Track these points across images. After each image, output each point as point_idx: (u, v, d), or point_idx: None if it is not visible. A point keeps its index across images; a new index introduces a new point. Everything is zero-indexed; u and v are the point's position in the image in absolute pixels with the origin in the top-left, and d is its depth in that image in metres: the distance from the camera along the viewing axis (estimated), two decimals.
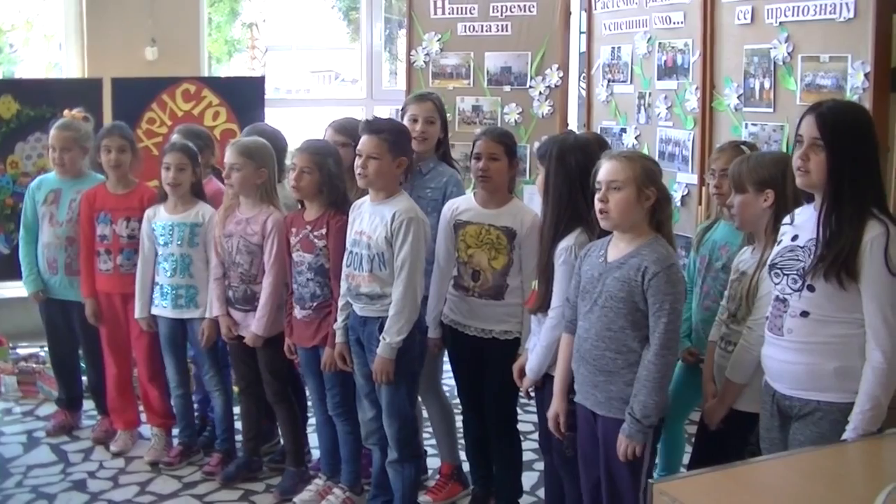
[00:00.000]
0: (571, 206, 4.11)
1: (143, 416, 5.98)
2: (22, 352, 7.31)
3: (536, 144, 6.96)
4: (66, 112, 6.06)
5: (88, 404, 6.29)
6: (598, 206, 3.77)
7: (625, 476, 3.75)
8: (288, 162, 5.42)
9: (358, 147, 4.62)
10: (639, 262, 3.69)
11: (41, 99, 7.22)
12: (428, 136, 5.13)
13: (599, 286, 3.79)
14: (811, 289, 3.37)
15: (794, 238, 3.50)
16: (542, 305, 4.22)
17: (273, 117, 7.83)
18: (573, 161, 4.13)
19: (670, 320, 3.63)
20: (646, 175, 3.73)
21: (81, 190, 5.83)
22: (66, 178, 5.90)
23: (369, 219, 4.63)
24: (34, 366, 6.92)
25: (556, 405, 4.10)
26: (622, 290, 3.70)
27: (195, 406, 5.90)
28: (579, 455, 4.04)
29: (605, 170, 3.76)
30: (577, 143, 4.24)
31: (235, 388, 5.62)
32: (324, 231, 4.87)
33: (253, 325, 5.15)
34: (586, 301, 3.86)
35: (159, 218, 5.51)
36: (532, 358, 4.29)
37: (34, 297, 6.01)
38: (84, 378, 6.30)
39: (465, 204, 4.81)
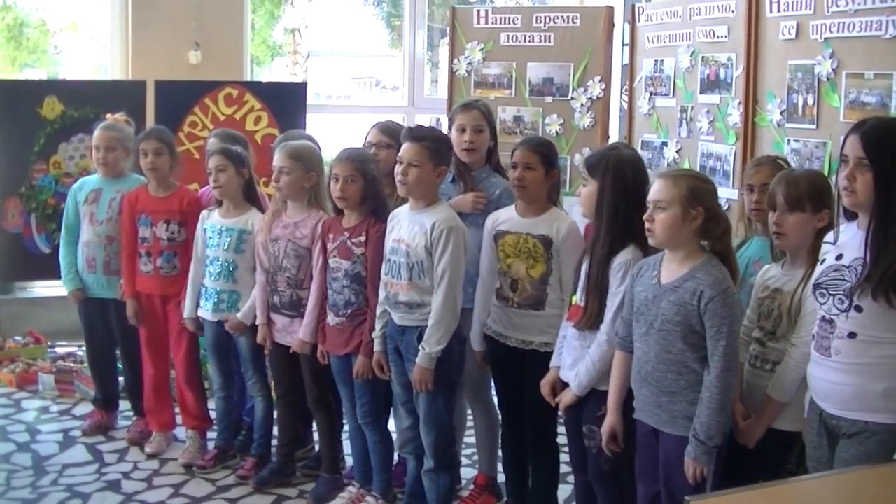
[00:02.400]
0: (627, 220, 4.09)
1: (179, 419, 6.01)
2: (60, 350, 7.37)
3: (578, 157, 6.99)
4: (108, 115, 6.11)
5: (125, 405, 6.31)
6: (646, 224, 3.78)
7: (688, 492, 3.70)
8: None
9: (399, 154, 4.62)
10: (694, 285, 3.68)
11: (85, 100, 7.28)
12: (477, 145, 5.10)
13: (654, 309, 3.79)
14: (858, 309, 3.34)
15: (839, 257, 3.46)
16: (592, 321, 4.19)
17: (314, 123, 7.85)
18: (630, 175, 4.13)
19: (729, 342, 3.63)
20: (692, 194, 3.71)
21: (121, 189, 5.88)
22: (108, 179, 5.95)
23: (408, 227, 4.63)
24: (72, 365, 6.97)
25: (612, 421, 4.08)
26: (678, 314, 3.71)
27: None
28: (637, 472, 4.03)
29: (653, 189, 3.78)
30: (633, 157, 4.26)
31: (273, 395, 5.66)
32: (362, 238, 4.86)
33: (301, 332, 5.12)
34: (641, 323, 3.86)
35: (212, 220, 5.53)
36: (582, 374, 4.23)
37: (73, 297, 6.05)
38: (121, 378, 6.33)
39: (505, 214, 4.80)
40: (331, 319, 5.00)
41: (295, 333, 5.18)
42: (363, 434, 5.09)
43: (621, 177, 4.11)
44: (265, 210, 5.49)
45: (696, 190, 3.74)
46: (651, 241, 3.83)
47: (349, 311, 4.92)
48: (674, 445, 3.77)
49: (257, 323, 5.35)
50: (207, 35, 7.94)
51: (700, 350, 3.70)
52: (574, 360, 4.28)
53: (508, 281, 4.72)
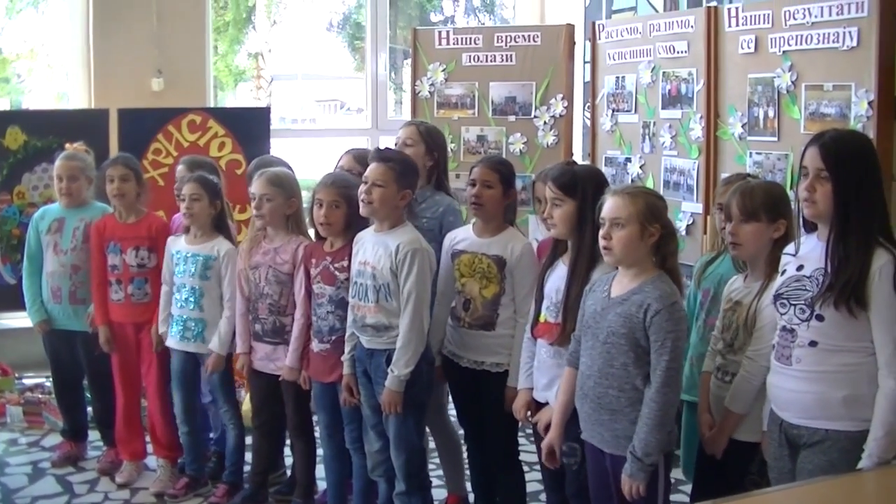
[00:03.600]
0: None
1: (150, 448, 5.96)
2: (28, 382, 7.30)
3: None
4: (67, 145, 6.09)
5: (94, 435, 6.26)
6: (601, 242, 3.77)
7: None
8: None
9: (365, 174, 4.62)
10: (641, 298, 3.68)
11: (48, 130, 7.22)
12: None
13: (602, 322, 3.78)
14: (820, 318, 3.38)
15: (800, 268, 3.51)
16: (569, 338, 4.17)
17: (278, 147, 7.83)
18: (601, 191, 4.13)
19: (672, 358, 3.62)
20: (649, 211, 3.72)
21: (85, 218, 5.86)
22: (70, 208, 5.92)
23: (373, 249, 4.62)
24: (40, 396, 6.90)
25: (552, 437, 4.09)
26: (623, 327, 3.69)
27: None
28: (591, 491, 4.01)
29: (609, 206, 3.75)
30: (599, 172, 4.34)
31: (245, 424, 5.62)
32: (345, 263, 4.84)
33: (288, 359, 5.10)
34: (588, 336, 3.86)
35: (178, 246, 5.52)
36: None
37: (38, 328, 6.01)
38: (89, 408, 6.27)
39: (462, 233, 4.82)
40: (315, 346, 4.98)
41: (279, 360, 5.15)
42: (341, 461, 5.09)
43: (598, 193, 4.10)
44: (232, 238, 5.47)
45: (652, 207, 3.75)
46: (607, 260, 3.83)
47: (334, 338, 4.90)
48: (619, 466, 3.74)
49: (239, 352, 5.34)
50: (169, 62, 7.91)
51: (644, 366, 3.68)
52: (551, 379, 4.25)
53: (462, 300, 4.73)
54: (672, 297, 3.67)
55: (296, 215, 5.20)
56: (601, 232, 3.77)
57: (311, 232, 5.17)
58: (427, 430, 5.16)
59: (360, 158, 5.31)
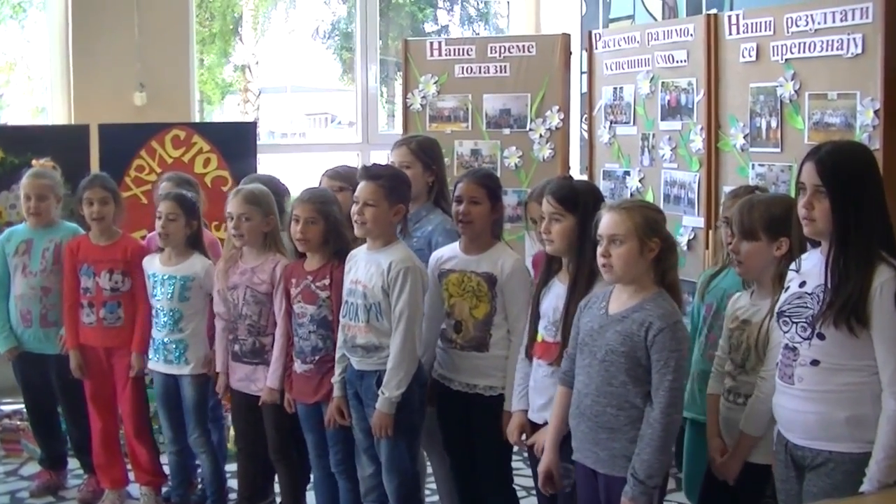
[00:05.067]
0: None
1: (131, 475, 5.92)
2: (5, 408, 7.27)
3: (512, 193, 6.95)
4: (34, 162, 6.07)
5: (74, 463, 6.23)
6: (600, 260, 3.76)
7: None
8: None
9: (355, 193, 4.62)
10: (642, 316, 3.68)
11: (26, 146, 7.17)
12: None
13: (599, 339, 3.78)
14: (821, 337, 3.38)
15: (802, 285, 3.51)
16: None
17: (266, 163, 7.83)
18: (600, 206, 4.15)
19: (675, 378, 3.62)
20: (648, 226, 3.73)
21: (54, 239, 5.84)
22: (38, 228, 5.89)
23: (365, 267, 4.62)
24: (18, 423, 6.86)
25: (547, 461, 4.07)
26: (624, 345, 3.69)
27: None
28: None
29: (606, 222, 3.75)
30: (596, 187, 4.29)
31: (230, 447, 5.58)
32: (327, 281, 4.84)
33: (268, 380, 5.08)
34: (585, 354, 3.84)
35: (153, 268, 5.51)
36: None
37: (9, 354, 5.97)
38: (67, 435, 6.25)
39: (449, 252, 4.80)
40: (298, 367, 4.97)
41: (258, 381, 5.14)
42: (331, 483, 5.05)
43: (598, 208, 4.11)
44: (210, 255, 5.47)
45: (650, 221, 3.76)
46: (607, 278, 3.82)
47: (317, 358, 4.89)
48: (613, 487, 3.74)
49: (217, 370, 5.33)
50: (152, 75, 7.90)
51: (643, 385, 3.68)
52: (550, 399, 4.22)
53: (452, 322, 4.72)
54: (674, 316, 3.68)
55: (273, 233, 5.20)
56: (599, 249, 3.77)
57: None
58: (424, 453, 5.16)
59: (337, 176, 5.35)
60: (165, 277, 5.44)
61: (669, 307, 3.70)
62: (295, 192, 5.29)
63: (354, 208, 4.59)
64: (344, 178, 5.28)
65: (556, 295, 4.26)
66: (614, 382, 3.72)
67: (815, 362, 3.41)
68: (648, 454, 3.62)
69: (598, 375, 3.76)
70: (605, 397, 3.75)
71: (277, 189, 5.53)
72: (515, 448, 4.59)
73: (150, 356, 5.55)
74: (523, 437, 4.41)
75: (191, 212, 5.44)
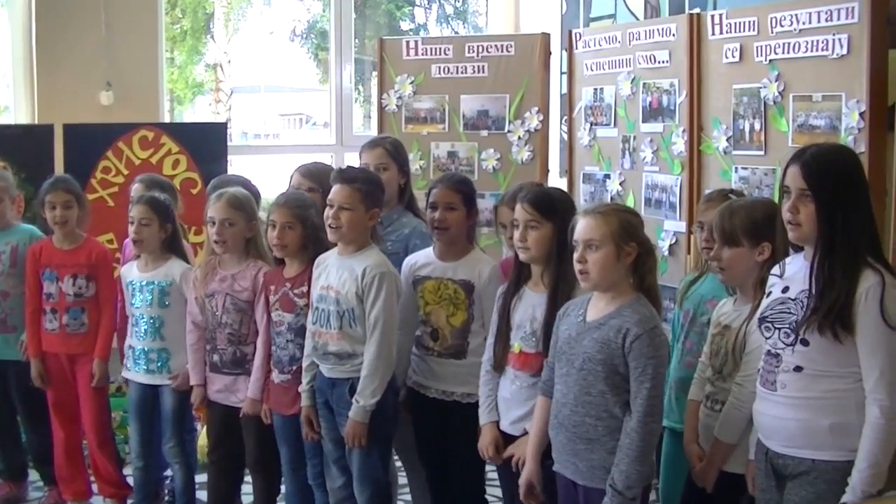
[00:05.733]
0: None
1: (95, 487, 5.89)
2: None
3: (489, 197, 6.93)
4: None
5: (35, 474, 6.18)
6: (576, 266, 3.75)
7: None
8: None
9: (329, 197, 4.60)
10: (619, 323, 3.68)
11: None
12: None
13: (577, 347, 3.77)
14: (805, 343, 3.38)
15: (785, 290, 3.51)
16: None
17: (237, 165, 7.80)
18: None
19: (653, 385, 3.62)
20: (624, 230, 3.72)
21: (10, 242, 5.82)
22: None
23: (337, 273, 4.61)
24: None
25: (529, 471, 4.06)
26: (601, 353, 3.69)
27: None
28: None
29: (581, 227, 3.75)
30: (568, 194, 4.29)
31: (200, 458, 5.55)
32: (305, 289, 4.83)
33: (249, 390, 5.05)
34: (563, 363, 3.84)
35: (131, 276, 5.47)
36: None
37: None
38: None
39: (423, 258, 4.80)
40: (276, 377, 4.96)
41: (239, 393, 5.11)
42: (303, 497, 5.04)
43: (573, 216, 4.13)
44: (186, 258, 5.46)
45: (627, 224, 3.76)
46: (584, 285, 3.82)
47: (294, 368, 4.88)
48: (593, 499, 3.73)
49: (192, 384, 5.28)
50: (119, 74, 7.84)
51: (622, 394, 3.68)
52: (530, 410, 4.21)
53: (429, 330, 4.72)
54: (652, 322, 3.68)
55: (255, 239, 5.16)
56: (575, 255, 3.76)
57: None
58: (400, 465, 5.14)
59: (309, 174, 5.32)
60: (143, 284, 5.40)
61: (647, 312, 3.70)
62: (266, 194, 5.27)
63: (328, 212, 4.58)
64: (316, 178, 5.25)
65: (530, 304, 4.25)
66: (592, 391, 3.72)
67: (798, 368, 3.41)
68: (626, 464, 3.62)
69: (576, 385, 3.76)
70: (583, 407, 3.74)
71: (250, 192, 5.48)
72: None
73: (129, 366, 5.50)
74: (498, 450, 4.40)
75: (165, 215, 5.40)
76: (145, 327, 5.42)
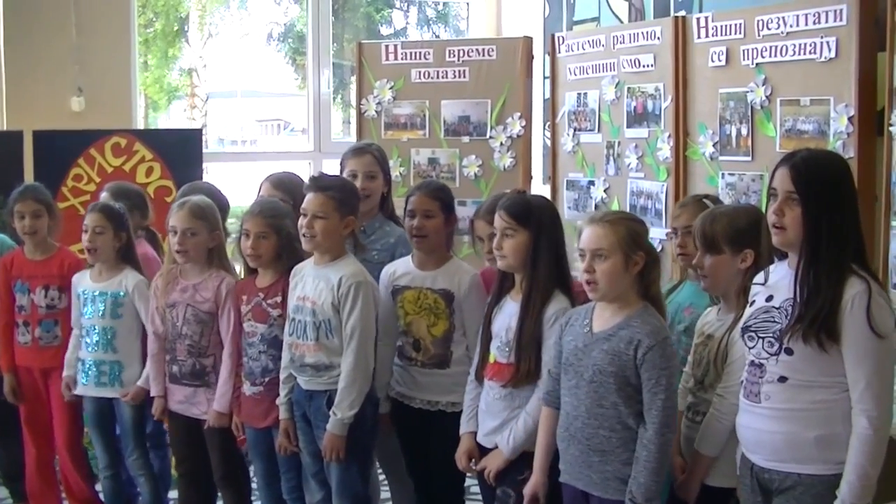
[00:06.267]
0: (560, 269, 4.16)
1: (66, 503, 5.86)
2: None
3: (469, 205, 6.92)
4: None
5: (4, 491, 6.15)
6: (584, 276, 3.76)
7: None
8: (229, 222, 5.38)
9: (303, 205, 4.60)
10: (630, 334, 3.69)
11: None
12: (370, 192, 5.13)
13: (585, 359, 3.78)
14: (789, 352, 3.39)
15: (769, 299, 3.51)
16: (528, 378, 4.16)
17: (213, 172, 7.77)
18: (558, 221, 4.21)
19: (668, 396, 3.65)
20: (632, 239, 3.75)
21: None
22: None
23: (313, 283, 4.61)
24: None
25: (536, 482, 4.05)
26: (612, 364, 3.70)
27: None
28: None
29: (588, 236, 3.76)
30: (549, 201, 4.35)
31: (174, 472, 5.53)
32: (278, 299, 4.83)
33: (216, 403, 5.03)
34: (571, 375, 3.85)
35: (83, 285, 5.45)
36: (519, 434, 4.18)
37: None
38: None
39: (402, 267, 4.81)
40: (247, 389, 4.94)
41: (200, 405, 5.11)
42: None
43: (553, 225, 4.17)
44: (142, 271, 5.42)
45: (634, 233, 3.78)
46: (591, 296, 3.82)
47: (267, 380, 4.87)
48: None
49: (153, 395, 5.26)
50: (91, 79, 7.82)
51: (634, 405, 3.69)
52: (502, 422, 4.25)
53: (411, 340, 4.72)
54: (663, 332, 3.71)
55: (218, 249, 5.16)
56: (583, 266, 3.77)
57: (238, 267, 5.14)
58: (383, 477, 5.13)
59: (280, 185, 5.33)
60: (96, 294, 5.38)
61: (657, 323, 3.73)
62: (243, 203, 5.25)
63: (303, 221, 4.58)
64: (287, 189, 5.26)
65: (508, 314, 4.27)
66: (605, 404, 3.73)
67: (782, 379, 3.41)
68: (645, 476, 3.64)
69: (588, 397, 3.77)
70: (596, 419, 3.76)
71: (218, 201, 5.46)
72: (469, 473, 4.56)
73: (79, 379, 5.47)
74: (472, 462, 4.41)
75: (119, 223, 5.38)
76: (97, 338, 5.39)
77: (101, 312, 5.36)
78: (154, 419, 5.32)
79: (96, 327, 5.38)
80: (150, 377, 5.26)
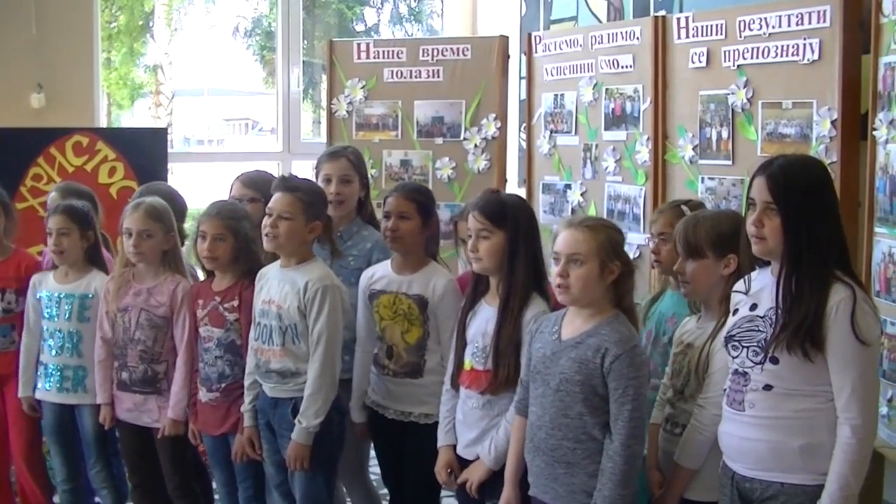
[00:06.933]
0: (536, 271, 4.14)
1: None
2: None
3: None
4: None
5: None
6: (556, 280, 3.75)
7: None
8: (186, 225, 5.37)
9: (269, 205, 4.59)
10: (598, 342, 3.69)
11: None
12: (345, 197, 5.10)
13: (553, 367, 3.78)
14: (774, 361, 3.39)
15: (753, 307, 3.52)
16: (507, 384, 4.14)
17: (179, 173, 7.75)
18: (534, 222, 4.21)
19: (635, 407, 3.63)
20: (611, 247, 3.74)
21: None
22: None
23: (279, 286, 4.59)
24: None
25: (507, 496, 4.04)
26: (579, 373, 3.69)
27: None
28: None
29: (566, 240, 3.76)
30: (526, 201, 4.35)
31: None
32: (235, 303, 4.81)
33: (170, 411, 5.01)
34: (538, 383, 3.84)
35: (46, 287, 5.40)
36: (501, 443, 4.16)
37: None
38: None
39: (380, 270, 4.80)
40: (203, 395, 4.92)
41: (151, 412, 5.09)
42: None
43: (530, 226, 4.17)
44: (108, 272, 5.39)
45: (613, 242, 3.77)
46: (562, 299, 3.81)
47: (223, 385, 4.85)
48: None
49: (99, 402, 5.23)
50: (52, 75, 7.80)
51: (601, 415, 3.68)
52: (481, 432, 4.24)
53: (385, 347, 4.71)
54: (632, 341, 3.70)
55: (173, 251, 5.14)
56: (556, 269, 3.76)
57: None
58: (345, 492, 5.12)
59: (251, 183, 5.32)
60: (62, 296, 5.33)
61: (626, 331, 3.71)
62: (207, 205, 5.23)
63: (266, 220, 4.56)
64: (258, 187, 5.24)
65: (484, 319, 4.26)
66: (570, 413, 3.72)
67: (767, 387, 3.41)
68: (610, 489, 3.63)
69: (553, 406, 3.76)
70: (560, 429, 3.75)
71: (176, 205, 5.44)
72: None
73: (39, 384, 5.42)
74: (452, 476, 4.39)
75: (85, 223, 5.34)
76: (61, 342, 5.34)
77: (66, 315, 5.32)
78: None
79: (61, 331, 5.34)
80: (96, 384, 5.22)
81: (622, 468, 3.61)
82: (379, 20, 12.03)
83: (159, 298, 5.05)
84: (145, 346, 5.06)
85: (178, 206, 5.46)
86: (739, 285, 3.63)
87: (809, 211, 3.37)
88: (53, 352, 5.37)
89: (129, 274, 5.13)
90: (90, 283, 5.34)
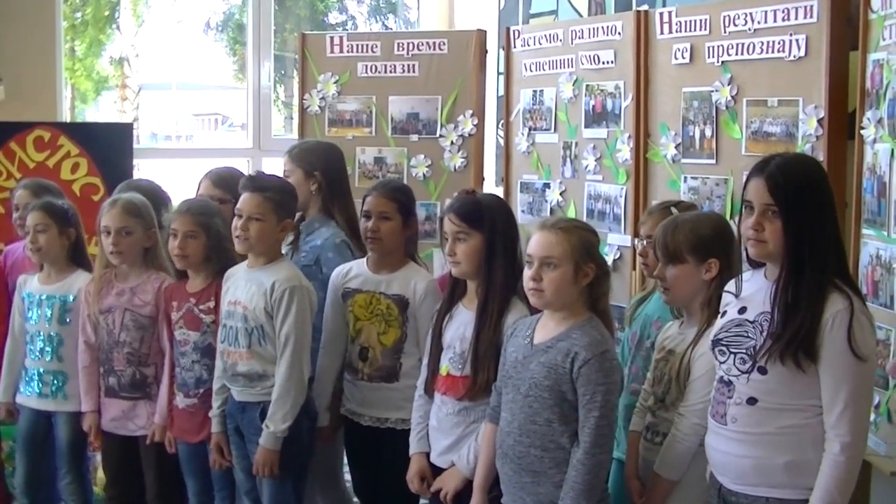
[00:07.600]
0: (517, 275, 4.10)
1: None
2: None
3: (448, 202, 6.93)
4: None
5: None
6: (529, 284, 3.75)
7: None
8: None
9: (238, 206, 4.58)
10: (568, 346, 3.68)
11: None
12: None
13: (523, 372, 3.77)
14: (763, 371, 3.37)
15: (742, 311, 3.50)
16: (486, 392, 4.14)
17: (145, 169, 7.71)
18: (513, 223, 4.22)
19: (602, 414, 3.62)
20: (585, 249, 3.74)
21: None
22: None
23: (245, 287, 4.60)
24: None
25: (476, 503, 4.04)
26: (548, 378, 3.69)
27: None
28: None
29: (539, 243, 3.75)
30: (505, 202, 4.37)
31: (98, 491, 5.51)
32: (211, 304, 4.82)
33: (157, 416, 5.00)
34: (509, 388, 3.85)
35: (30, 288, 5.37)
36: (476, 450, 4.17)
37: None
38: None
39: (356, 268, 4.79)
40: (180, 401, 4.92)
41: (139, 419, 5.08)
42: None
43: (509, 226, 4.18)
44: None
45: (587, 244, 3.78)
46: (535, 303, 3.82)
47: (201, 391, 4.85)
48: None
49: (85, 409, 5.21)
50: (11, 66, 7.73)
51: (570, 423, 3.68)
52: (456, 440, 4.24)
53: (357, 349, 4.69)
54: (603, 345, 3.68)
55: (155, 249, 5.11)
56: (529, 272, 3.76)
57: None
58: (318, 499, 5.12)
59: (220, 182, 5.32)
60: (43, 297, 5.31)
61: (598, 335, 3.70)
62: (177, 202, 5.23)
63: (237, 222, 4.56)
64: (228, 185, 5.22)
65: (461, 323, 4.26)
66: (538, 420, 3.72)
67: (751, 400, 3.40)
68: (572, 498, 3.63)
69: (522, 412, 3.76)
70: (528, 437, 3.75)
71: (159, 198, 5.42)
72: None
73: (21, 388, 5.40)
74: (425, 483, 4.39)
75: (64, 220, 5.31)
76: (41, 346, 5.33)
77: (47, 317, 5.30)
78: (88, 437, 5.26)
79: (41, 333, 5.33)
80: (81, 391, 5.19)
81: (585, 477, 3.61)
82: (348, 16, 12.00)
83: (143, 297, 5.04)
84: (132, 349, 5.05)
85: (162, 199, 5.45)
86: (730, 286, 3.62)
87: (811, 213, 3.36)
88: (34, 356, 5.35)
89: (111, 274, 5.12)
90: (73, 284, 5.32)
